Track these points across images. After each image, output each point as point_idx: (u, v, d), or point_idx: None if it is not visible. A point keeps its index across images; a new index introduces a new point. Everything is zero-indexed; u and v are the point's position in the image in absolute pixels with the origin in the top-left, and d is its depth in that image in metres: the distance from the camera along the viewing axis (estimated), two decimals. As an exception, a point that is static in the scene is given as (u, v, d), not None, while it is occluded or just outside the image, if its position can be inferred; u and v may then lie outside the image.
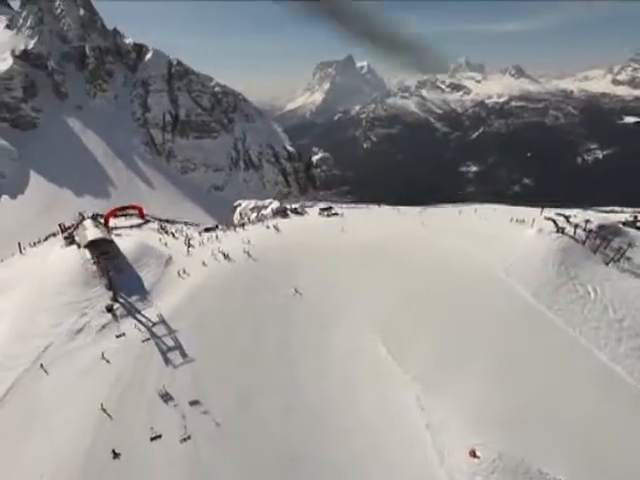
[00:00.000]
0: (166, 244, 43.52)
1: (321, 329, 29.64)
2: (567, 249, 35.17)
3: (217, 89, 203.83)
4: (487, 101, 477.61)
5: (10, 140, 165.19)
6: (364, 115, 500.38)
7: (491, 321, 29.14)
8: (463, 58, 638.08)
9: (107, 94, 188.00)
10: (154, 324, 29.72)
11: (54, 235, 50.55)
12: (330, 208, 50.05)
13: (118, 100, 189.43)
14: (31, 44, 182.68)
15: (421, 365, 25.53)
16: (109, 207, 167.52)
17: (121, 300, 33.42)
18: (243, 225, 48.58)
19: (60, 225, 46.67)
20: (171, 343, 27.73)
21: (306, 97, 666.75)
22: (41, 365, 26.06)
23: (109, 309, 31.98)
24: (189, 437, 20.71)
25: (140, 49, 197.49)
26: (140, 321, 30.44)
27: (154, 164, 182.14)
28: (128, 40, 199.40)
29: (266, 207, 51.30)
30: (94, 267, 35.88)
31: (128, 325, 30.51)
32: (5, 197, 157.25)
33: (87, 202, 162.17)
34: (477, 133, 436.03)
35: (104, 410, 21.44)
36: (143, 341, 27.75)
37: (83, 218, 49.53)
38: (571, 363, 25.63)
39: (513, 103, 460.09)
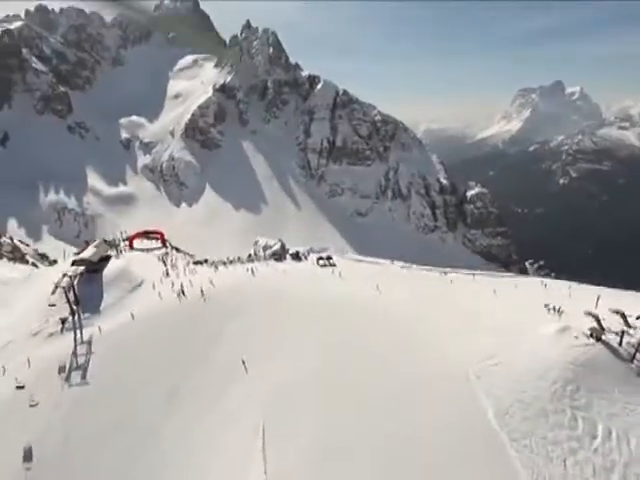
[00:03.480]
0: (154, 271, 44.33)
1: (220, 385, 26.60)
2: (590, 363, 21.12)
3: (377, 117, 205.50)
4: None
5: (197, 158, 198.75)
6: (566, 147, 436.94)
7: (411, 440, 19.57)
8: None
9: (278, 120, 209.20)
10: (82, 342, 30.89)
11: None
12: (329, 258, 43.93)
13: (287, 126, 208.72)
14: (228, 79, 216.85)
15: (286, 460, 19.45)
16: (258, 222, 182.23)
17: (76, 315, 35.41)
18: (231, 262, 46.12)
19: (86, 242, 52.33)
20: (81, 362, 28.68)
21: (501, 125, 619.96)
22: None
23: (62, 321, 34.43)
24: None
25: (313, 80, 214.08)
26: (75, 337, 32.01)
27: (305, 186, 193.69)
28: (304, 72, 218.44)
29: (271, 247, 47.73)
30: (66, 281, 38.58)
31: (68, 338, 32.60)
32: (184, 204, 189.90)
33: (241, 216, 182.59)
34: None
35: None
36: (64, 356, 28.65)
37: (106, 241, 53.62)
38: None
39: None
